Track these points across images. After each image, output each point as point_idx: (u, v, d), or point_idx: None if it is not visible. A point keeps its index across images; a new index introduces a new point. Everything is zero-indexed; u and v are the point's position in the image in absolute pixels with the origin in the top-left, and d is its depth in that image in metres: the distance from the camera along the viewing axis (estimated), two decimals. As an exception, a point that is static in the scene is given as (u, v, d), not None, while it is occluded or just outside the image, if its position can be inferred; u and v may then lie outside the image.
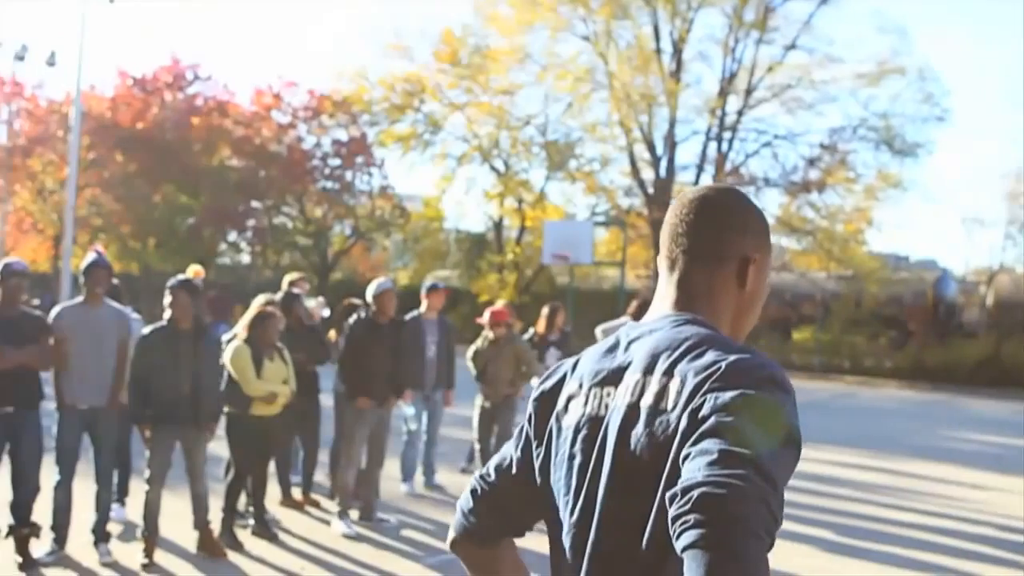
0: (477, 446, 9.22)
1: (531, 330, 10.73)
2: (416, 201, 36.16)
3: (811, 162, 30.16)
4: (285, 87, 34.43)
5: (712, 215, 1.70)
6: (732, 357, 1.47)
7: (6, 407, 6.13)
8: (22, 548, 6.30)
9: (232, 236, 36.17)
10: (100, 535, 6.58)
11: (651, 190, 29.95)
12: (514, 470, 1.77)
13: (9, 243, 34.58)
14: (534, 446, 1.73)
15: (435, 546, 7.25)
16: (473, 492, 1.84)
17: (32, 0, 59.76)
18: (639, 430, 1.50)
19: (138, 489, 6.72)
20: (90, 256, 6.65)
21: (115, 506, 7.34)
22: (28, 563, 6.24)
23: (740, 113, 30.12)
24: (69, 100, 29.84)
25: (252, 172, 33.48)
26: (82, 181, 29.75)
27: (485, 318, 9.26)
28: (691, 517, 1.28)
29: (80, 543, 6.62)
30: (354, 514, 7.86)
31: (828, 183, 29.81)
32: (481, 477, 1.84)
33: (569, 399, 1.68)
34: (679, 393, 1.47)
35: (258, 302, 7.85)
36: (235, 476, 7.25)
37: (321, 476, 9.07)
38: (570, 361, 1.76)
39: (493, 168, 33.19)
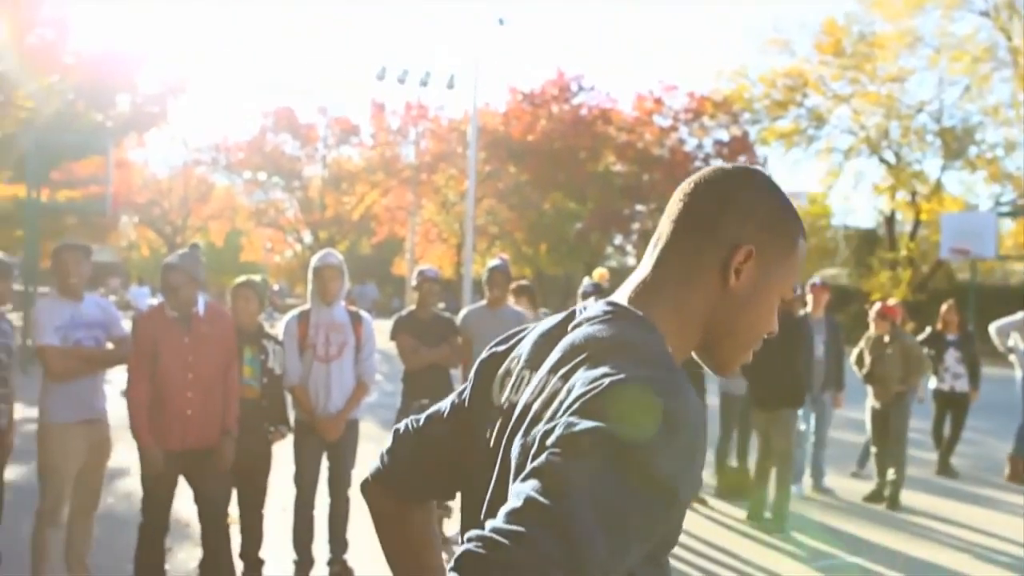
0: (873, 449, 8.94)
1: (927, 329, 10.21)
2: (801, 198, 35.28)
3: None
4: (665, 91, 34.99)
5: (713, 189, 1.44)
6: (622, 376, 1.20)
7: (423, 399, 6.86)
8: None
9: (618, 239, 37.28)
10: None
11: (1068, 175, 27.13)
12: (445, 421, 1.59)
13: (418, 252, 38.03)
14: (467, 406, 1.55)
15: (822, 550, 7.14)
16: (396, 432, 1.67)
17: (433, 31, 65.34)
18: (519, 435, 1.29)
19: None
20: (493, 262, 7.29)
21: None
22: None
23: None
24: (467, 118, 32.32)
25: (636, 176, 34.31)
26: (480, 192, 32.06)
27: (873, 311, 8.96)
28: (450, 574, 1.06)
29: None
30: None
31: None
32: (412, 420, 1.67)
33: (506, 374, 1.47)
34: (560, 405, 1.23)
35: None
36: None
37: (707, 474, 9.20)
38: (527, 329, 1.56)
39: (883, 160, 31.65)
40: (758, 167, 1.53)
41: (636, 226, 35.59)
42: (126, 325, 5.84)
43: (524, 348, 1.47)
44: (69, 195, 25.33)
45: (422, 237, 39.25)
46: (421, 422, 1.64)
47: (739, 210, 1.41)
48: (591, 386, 1.20)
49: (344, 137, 41.71)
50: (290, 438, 6.10)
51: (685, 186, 1.47)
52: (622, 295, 1.44)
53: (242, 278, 6.15)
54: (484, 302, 7.21)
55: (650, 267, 1.44)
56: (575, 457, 1.12)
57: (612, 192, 33.86)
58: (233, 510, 5.71)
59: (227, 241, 46.55)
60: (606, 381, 1.19)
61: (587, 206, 34.64)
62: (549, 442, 1.16)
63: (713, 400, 9.16)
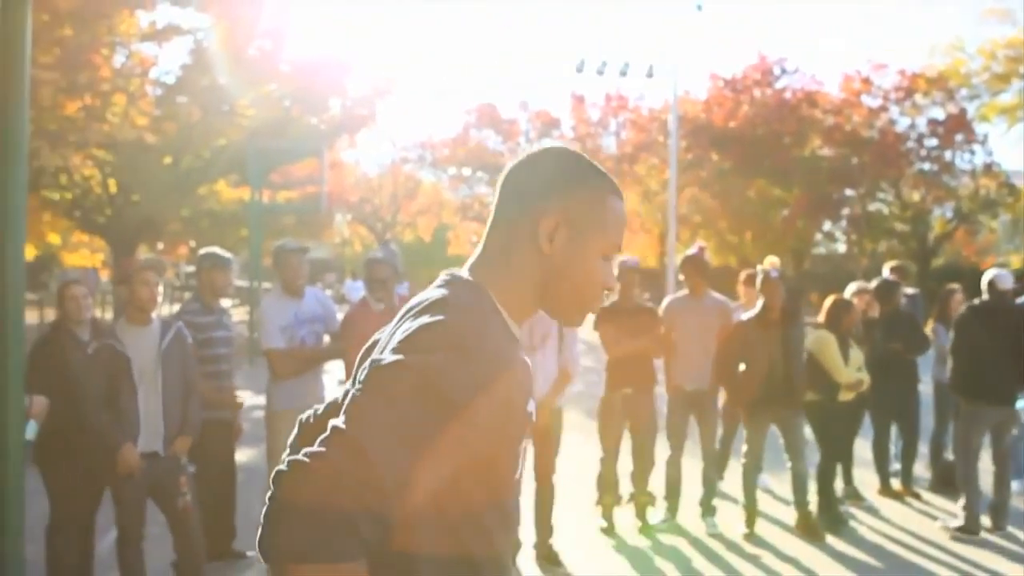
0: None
1: None
2: (1026, 176, 33.08)
3: None
4: (874, 70, 33.53)
5: (523, 167, 1.62)
6: (427, 319, 1.43)
7: (626, 388, 6.95)
8: (641, 513, 7.13)
9: (827, 226, 36.06)
10: (707, 508, 7.19)
11: None
12: (339, 407, 1.68)
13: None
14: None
15: (1052, 549, 6.77)
16: (300, 422, 1.80)
17: (631, 22, 65.01)
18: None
19: (736, 465, 7.20)
20: (690, 250, 7.32)
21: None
22: (645, 528, 7.05)
23: None
24: (667, 107, 32.07)
25: (844, 160, 33.10)
26: (682, 181, 31.76)
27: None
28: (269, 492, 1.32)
29: (690, 513, 7.29)
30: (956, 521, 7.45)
31: None
32: (314, 409, 1.81)
33: (373, 344, 1.70)
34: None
35: (850, 290, 7.94)
36: (824, 461, 7.39)
37: (921, 467, 8.86)
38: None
39: (1122, 132, 29.21)
40: (562, 144, 1.69)
41: (846, 211, 34.33)
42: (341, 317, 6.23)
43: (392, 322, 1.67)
44: (288, 196, 26.89)
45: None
46: (320, 411, 1.79)
47: (544, 183, 1.59)
48: (405, 332, 1.44)
49: (545, 130, 42.21)
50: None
51: (507, 166, 1.66)
52: (465, 266, 1.65)
53: (432, 274, 6.42)
54: (686, 291, 7.23)
55: (483, 241, 1.65)
56: (373, 384, 1.36)
57: (819, 177, 32.77)
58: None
59: (435, 235, 47.98)
60: (413, 326, 1.43)
61: (793, 192, 33.68)
62: (361, 377, 1.42)
63: (926, 389, 8.81)
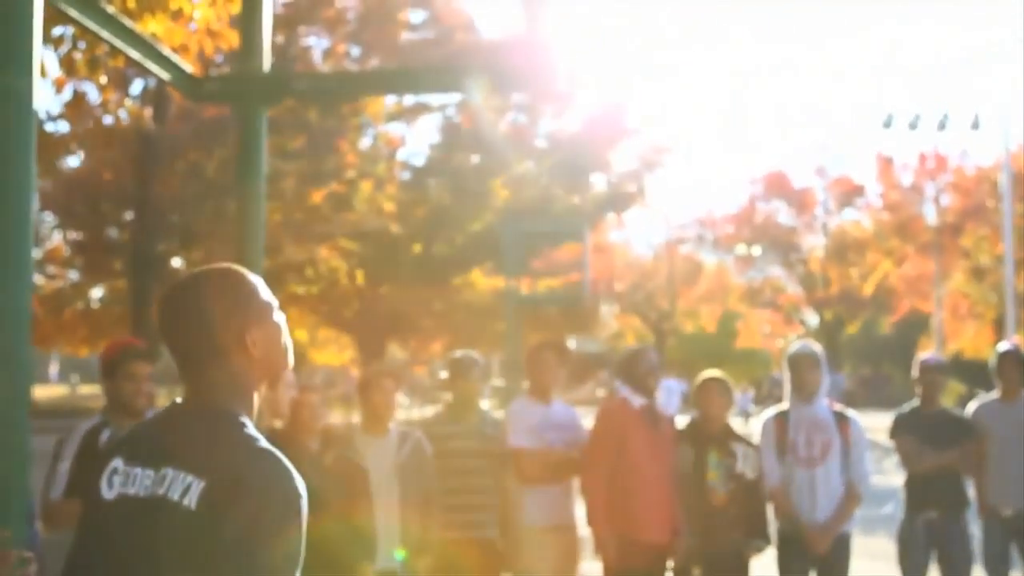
0: None
1: None
2: None
3: None
4: None
5: (198, 301, 2.09)
6: (243, 466, 1.89)
7: (929, 511, 6.62)
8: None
9: None
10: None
11: None
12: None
13: (947, 330, 36.18)
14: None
15: None
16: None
17: (950, 63, 62.78)
18: (152, 520, 1.87)
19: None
20: (1002, 345, 6.91)
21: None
22: None
23: None
24: (998, 164, 30.54)
25: None
26: (1019, 254, 30.03)
27: None
28: None
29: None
30: None
31: None
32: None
33: (113, 471, 2.03)
34: (189, 492, 1.89)
35: None
36: None
37: None
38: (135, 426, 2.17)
39: None
40: (216, 269, 2.16)
41: None
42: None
43: (129, 444, 2.07)
44: (549, 284, 27.60)
45: (950, 312, 37.37)
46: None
47: (222, 318, 2.07)
48: (224, 475, 1.88)
49: (846, 199, 41.30)
50: (769, 553, 6.19)
51: (171, 302, 2.11)
52: (191, 395, 2.09)
53: (709, 372, 6.41)
54: (998, 394, 6.86)
55: (195, 371, 2.08)
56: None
57: None
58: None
59: (720, 325, 47.66)
60: (241, 473, 1.89)
61: None
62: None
63: None
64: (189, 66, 6.24)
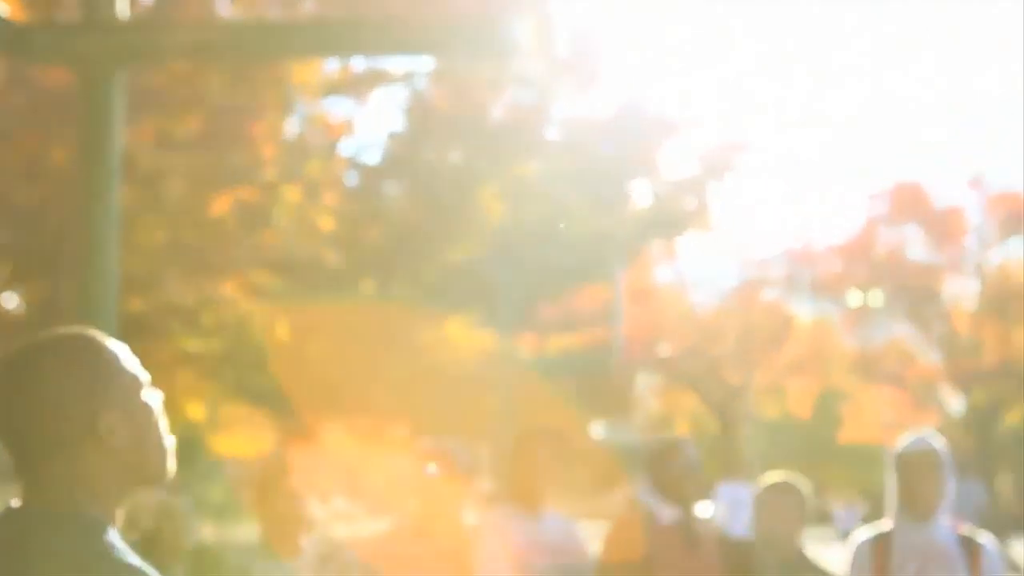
0: None
1: None
2: None
3: None
4: None
5: (32, 387, 2.20)
6: None
7: None
8: None
9: None
10: None
11: None
12: None
13: None
14: None
15: None
16: None
17: None
18: None
19: None
20: None
21: None
22: None
23: None
24: None
25: None
26: None
27: None
28: None
29: None
30: None
31: None
32: None
33: None
34: None
35: None
36: None
37: None
38: None
39: None
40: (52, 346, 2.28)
41: None
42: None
43: None
44: (561, 343, 27.51)
45: None
46: None
47: (69, 392, 2.19)
48: None
49: (1012, 226, 41.31)
50: None
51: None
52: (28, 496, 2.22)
53: (776, 475, 6.39)
54: None
55: (32, 468, 2.22)
56: None
57: None
58: None
59: (818, 409, 47.45)
60: None
61: None
62: None
63: None
64: (6, 7, 6.24)
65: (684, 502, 6.12)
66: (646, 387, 49.39)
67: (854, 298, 43.17)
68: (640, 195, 24.72)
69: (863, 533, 6.40)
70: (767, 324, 48.50)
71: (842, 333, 46.24)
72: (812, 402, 47.73)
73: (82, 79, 6.55)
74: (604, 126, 21.77)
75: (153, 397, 2.29)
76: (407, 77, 20.04)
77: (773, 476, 6.40)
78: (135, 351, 2.29)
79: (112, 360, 2.25)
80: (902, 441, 6.33)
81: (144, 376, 2.29)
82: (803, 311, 47.60)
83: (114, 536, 2.13)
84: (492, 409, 25.48)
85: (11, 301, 21.00)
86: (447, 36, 6.83)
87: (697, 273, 50.80)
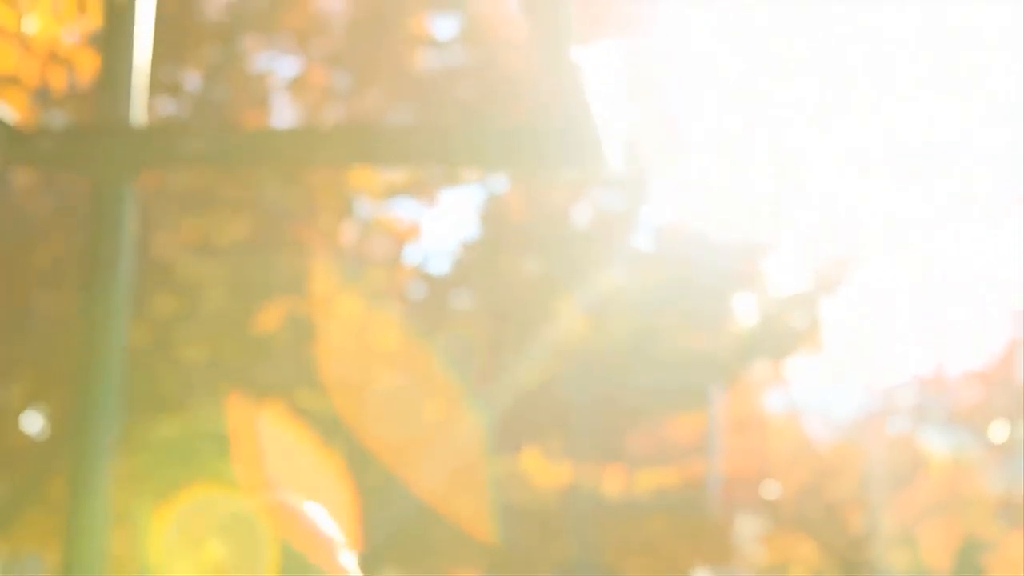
0: None
1: None
2: None
3: None
4: None
5: None
6: None
7: None
8: None
9: None
10: None
11: None
12: None
13: None
14: None
15: None
16: None
17: None
18: None
19: None
20: None
21: None
22: None
23: None
24: None
25: None
26: None
27: None
28: None
29: None
30: None
31: None
32: None
33: None
34: None
35: None
36: None
37: None
38: None
39: None
40: None
41: None
42: None
43: None
44: (652, 478, 27.53)
45: None
46: None
47: None
48: None
49: None
50: None
51: None
52: None
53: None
54: None
55: None
56: None
57: None
58: None
59: (960, 559, 47.14)
60: None
61: None
62: None
63: None
64: (12, 111, 6.53)
65: None
66: (750, 531, 49.06)
67: (997, 431, 42.93)
68: (743, 311, 24.80)
69: None
70: (895, 461, 48.31)
71: (984, 471, 45.94)
72: (951, 552, 47.38)
73: (91, 187, 6.84)
74: (702, 234, 21.97)
75: None
76: (481, 177, 20.26)
77: None
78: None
79: None
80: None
81: None
82: (938, 446, 47.35)
83: None
84: (568, 553, 25.53)
85: (34, 423, 21.29)
86: (534, 146, 6.94)
87: (810, 401, 50.69)
